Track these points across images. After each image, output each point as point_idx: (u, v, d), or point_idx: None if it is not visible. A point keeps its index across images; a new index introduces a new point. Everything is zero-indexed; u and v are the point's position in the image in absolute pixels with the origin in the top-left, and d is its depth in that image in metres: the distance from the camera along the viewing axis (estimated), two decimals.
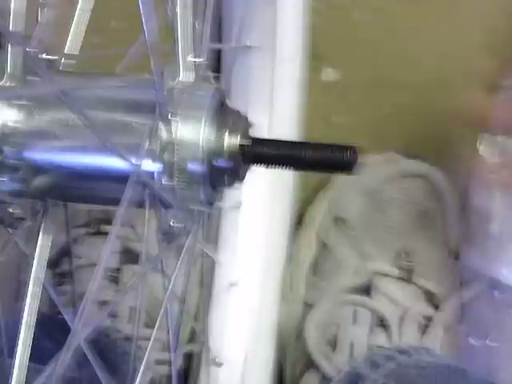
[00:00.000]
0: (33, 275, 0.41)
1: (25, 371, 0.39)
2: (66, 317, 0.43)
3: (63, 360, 0.28)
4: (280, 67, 0.90)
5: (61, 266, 0.93)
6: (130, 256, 0.94)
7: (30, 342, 0.41)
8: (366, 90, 1.04)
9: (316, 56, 1.04)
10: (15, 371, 0.39)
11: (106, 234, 0.94)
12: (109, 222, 0.95)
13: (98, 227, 0.95)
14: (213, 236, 0.91)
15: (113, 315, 0.90)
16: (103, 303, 0.91)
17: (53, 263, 0.93)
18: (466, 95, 1.01)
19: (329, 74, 1.05)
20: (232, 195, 0.89)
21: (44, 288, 0.86)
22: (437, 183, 0.94)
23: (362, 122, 1.03)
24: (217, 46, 0.85)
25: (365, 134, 1.04)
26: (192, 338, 0.96)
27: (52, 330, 0.79)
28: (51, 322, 0.81)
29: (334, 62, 1.05)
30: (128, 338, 0.86)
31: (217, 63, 0.93)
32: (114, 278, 0.92)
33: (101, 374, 0.47)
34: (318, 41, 1.03)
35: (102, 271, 0.32)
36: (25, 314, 0.42)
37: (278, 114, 0.89)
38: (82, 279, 0.90)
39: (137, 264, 0.92)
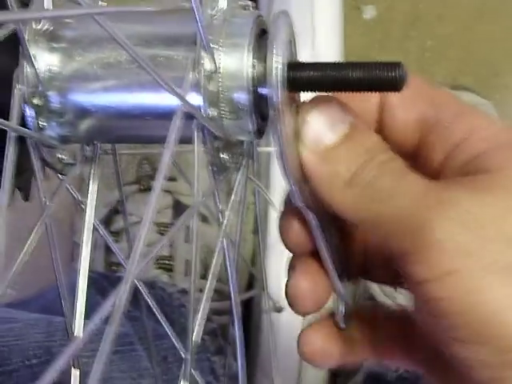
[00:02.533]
0: (86, 219, 0.41)
1: (82, 319, 0.39)
2: (119, 257, 0.43)
3: (123, 294, 0.28)
4: None
5: (113, 224, 0.94)
6: (182, 210, 0.94)
7: (85, 289, 0.41)
8: (407, 26, 1.02)
9: None
10: (77, 317, 0.39)
11: None
12: None
13: (148, 184, 0.95)
14: (264, 183, 0.91)
15: (169, 269, 0.90)
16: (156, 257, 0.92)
17: (105, 221, 0.93)
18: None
19: (369, 11, 1.03)
20: None
21: (97, 247, 0.87)
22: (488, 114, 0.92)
23: (405, 57, 1.02)
24: None
25: (410, 69, 1.01)
26: (250, 284, 0.96)
27: (108, 288, 0.80)
28: (107, 279, 0.82)
29: None
30: (184, 291, 0.87)
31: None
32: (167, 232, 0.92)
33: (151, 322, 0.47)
34: None
35: (150, 220, 0.31)
36: (80, 261, 0.42)
37: (320, 45, 0.87)
38: (134, 236, 0.90)
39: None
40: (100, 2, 0.42)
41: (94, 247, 0.92)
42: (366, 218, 0.37)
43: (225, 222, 0.39)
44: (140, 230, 0.29)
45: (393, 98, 0.41)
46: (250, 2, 0.41)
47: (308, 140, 0.37)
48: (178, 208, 0.94)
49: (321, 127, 0.37)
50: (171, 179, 0.93)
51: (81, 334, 0.26)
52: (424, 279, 0.34)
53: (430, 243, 0.34)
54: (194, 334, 0.38)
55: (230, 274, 0.40)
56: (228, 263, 0.40)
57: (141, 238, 0.28)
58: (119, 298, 0.28)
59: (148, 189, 0.95)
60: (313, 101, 0.38)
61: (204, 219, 0.93)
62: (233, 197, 0.40)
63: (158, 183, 0.31)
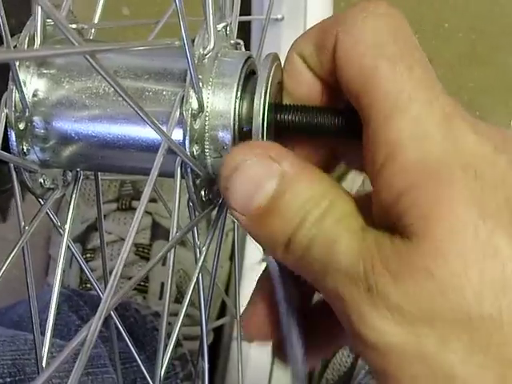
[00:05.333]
0: (63, 245, 0.41)
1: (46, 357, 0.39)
2: (94, 285, 0.43)
3: (95, 327, 0.28)
4: None
5: (90, 241, 0.93)
6: (160, 232, 0.94)
7: (55, 311, 0.41)
8: None
9: None
10: (45, 352, 0.39)
11: (136, 209, 0.94)
12: (139, 197, 0.95)
13: (128, 203, 0.95)
14: None
15: (144, 291, 0.90)
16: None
17: (82, 239, 0.93)
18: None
19: None
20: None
21: (72, 263, 0.86)
22: None
23: None
24: (247, 17, 0.84)
25: None
26: (222, 312, 0.96)
27: (81, 306, 0.80)
28: (81, 297, 0.82)
29: None
30: (158, 314, 0.87)
31: (246, 37, 0.92)
32: (145, 254, 0.92)
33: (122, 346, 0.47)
34: None
35: (130, 246, 0.31)
36: (54, 284, 0.42)
37: None
38: (112, 255, 0.91)
39: (167, 240, 0.93)
40: (91, 31, 0.42)
41: (70, 263, 0.92)
42: (312, 279, 0.35)
43: (202, 258, 0.39)
44: (115, 268, 0.29)
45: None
46: (241, 41, 0.42)
47: (236, 206, 0.34)
48: (156, 229, 0.94)
49: (246, 191, 0.34)
50: (151, 200, 0.93)
51: (48, 370, 0.26)
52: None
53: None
54: (163, 368, 0.38)
55: (204, 309, 0.40)
56: (202, 301, 0.40)
57: (116, 276, 0.28)
58: (91, 332, 0.28)
59: (128, 208, 0.95)
60: (233, 157, 0.34)
61: (181, 243, 0.93)
62: (211, 234, 0.40)
63: (137, 219, 0.31)
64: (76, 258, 0.46)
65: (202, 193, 0.38)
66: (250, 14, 0.89)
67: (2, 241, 0.86)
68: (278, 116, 0.37)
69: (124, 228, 0.92)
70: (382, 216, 0.33)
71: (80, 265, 0.46)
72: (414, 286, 0.31)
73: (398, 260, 0.31)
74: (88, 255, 0.92)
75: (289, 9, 0.87)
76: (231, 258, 0.96)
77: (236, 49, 0.41)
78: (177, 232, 0.36)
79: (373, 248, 0.32)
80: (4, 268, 0.36)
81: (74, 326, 0.74)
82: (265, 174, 0.34)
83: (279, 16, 0.86)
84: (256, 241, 0.36)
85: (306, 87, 0.38)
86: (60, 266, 0.41)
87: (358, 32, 0.34)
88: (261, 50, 0.60)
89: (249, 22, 0.90)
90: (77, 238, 0.93)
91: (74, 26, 0.41)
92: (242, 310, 0.83)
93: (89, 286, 0.90)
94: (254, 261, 0.91)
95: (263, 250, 0.38)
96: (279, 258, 0.35)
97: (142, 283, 0.90)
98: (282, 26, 0.87)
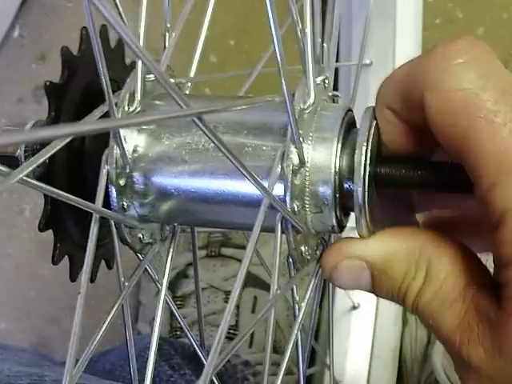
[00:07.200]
0: (161, 299, 0.41)
1: None
2: (188, 334, 0.43)
3: None
4: None
5: (180, 288, 0.94)
6: (248, 279, 0.93)
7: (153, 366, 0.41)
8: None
9: None
10: None
11: (225, 256, 0.94)
12: (229, 245, 0.95)
13: (217, 250, 0.95)
14: None
15: (233, 339, 0.89)
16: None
17: (172, 286, 0.93)
18: None
19: None
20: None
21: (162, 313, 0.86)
22: None
23: None
24: (342, 63, 0.84)
25: None
26: (311, 359, 0.94)
27: (172, 355, 0.79)
28: (172, 346, 0.81)
29: None
30: (247, 363, 0.86)
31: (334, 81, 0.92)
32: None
33: None
34: None
35: (233, 306, 0.31)
36: (152, 339, 0.42)
37: None
38: (201, 302, 0.90)
39: (255, 287, 0.92)
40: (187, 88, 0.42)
41: None
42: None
43: (301, 314, 0.39)
44: (219, 331, 0.28)
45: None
46: (338, 94, 0.41)
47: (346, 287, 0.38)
48: (247, 276, 0.94)
49: (349, 281, 0.38)
50: (241, 247, 0.93)
51: None
52: None
53: None
54: None
55: (302, 365, 0.40)
56: (300, 358, 0.39)
57: (221, 340, 0.27)
58: None
59: (217, 255, 0.95)
60: (328, 260, 0.38)
61: (268, 288, 0.92)
62: (309, 290, 0.40)
63: (240, 279, 0.31)
64: (171, 307, 0.46)
65: (303, 248, 0.38)
66: (337, 60, 0.89)
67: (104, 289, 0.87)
68: (379, 169, 0.36)
69: (213, 275, 0.92)
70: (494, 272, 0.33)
71: (172, 313, 0.46)
72: (504, 366, 0.33)
73: (491, 338, 0.33)
74: (178, 302, 0.92)
75: (377, 53, 0.87)
76: (320, 305, 0.95)
77: (333, 101, 0.41)
78: (277, 290, 0.36)
79: (471, 321, 0.34)
80: (106, 324, 0.36)
81: (165, 375, 0.73)
82: (358, 271, 0.37)
83: (367, 61, 0.86)
84: None
85: (401, 138, 0.37)
86: (158, 320, 0.41)
87: (446, 89, 0.34)
88: (354, 97, 0.59)
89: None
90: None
91: (172, 80, 0.41)
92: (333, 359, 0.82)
93: (179, 333, 0.90)
94: (345, 309, 0.90)
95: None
96: None
97: (232, 331, 0.89)
98: (370, 70, 0.87)
